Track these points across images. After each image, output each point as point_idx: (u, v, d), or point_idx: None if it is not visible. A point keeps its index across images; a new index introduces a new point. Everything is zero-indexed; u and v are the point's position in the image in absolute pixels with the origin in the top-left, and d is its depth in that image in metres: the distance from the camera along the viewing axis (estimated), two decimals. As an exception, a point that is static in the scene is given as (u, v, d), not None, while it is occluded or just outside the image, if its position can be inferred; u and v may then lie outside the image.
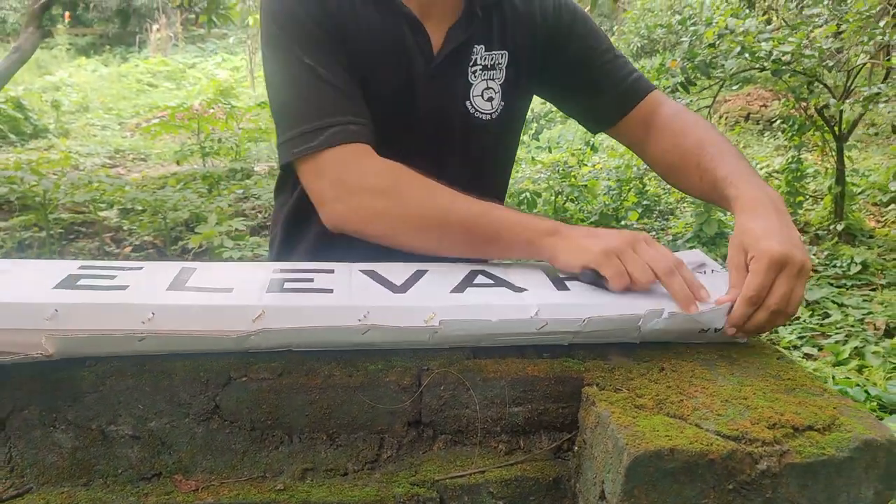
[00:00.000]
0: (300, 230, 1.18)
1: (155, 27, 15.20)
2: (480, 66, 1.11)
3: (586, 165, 5.64)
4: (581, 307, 0.81)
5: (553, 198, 4.99)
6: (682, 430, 0.67)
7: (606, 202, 5.08)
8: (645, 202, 5.09)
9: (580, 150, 5.56)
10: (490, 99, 1.12)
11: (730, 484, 0.65)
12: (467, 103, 1.11)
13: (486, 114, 1.12)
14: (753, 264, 0.83)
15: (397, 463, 0.78)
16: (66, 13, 13.74)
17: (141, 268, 0.86)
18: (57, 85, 11.08)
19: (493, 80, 1.12)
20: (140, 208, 4.73)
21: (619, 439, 0.66)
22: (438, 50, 1.09)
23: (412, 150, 1.01)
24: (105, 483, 0.77)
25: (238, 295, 0.79)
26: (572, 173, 5.17)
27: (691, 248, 3.70)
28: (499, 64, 1.12)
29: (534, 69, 1.15)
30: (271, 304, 0.77)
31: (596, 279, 0.87)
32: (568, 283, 0.88)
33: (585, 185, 5.06)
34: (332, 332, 0.77)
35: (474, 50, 1.10)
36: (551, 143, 7.48)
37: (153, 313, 0.73)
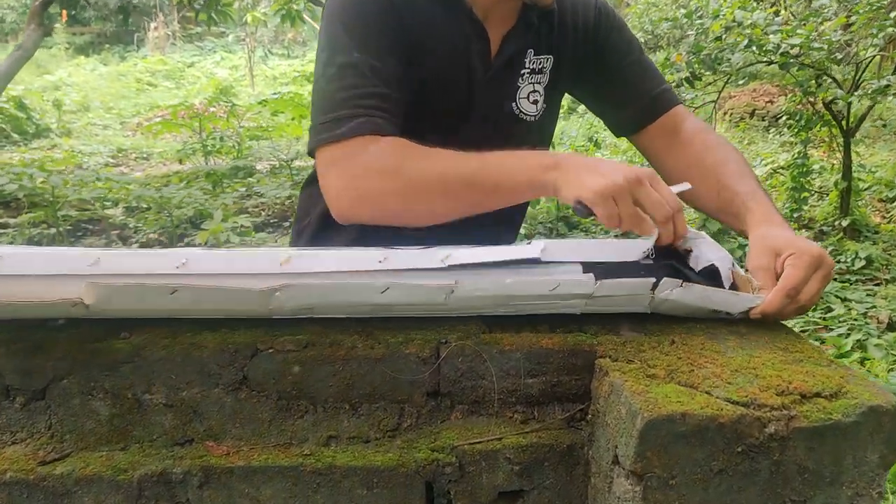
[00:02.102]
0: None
1: (153, 25, 15.24)
2: (529, 70, 1.16)
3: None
4: (588, 248, 0.85)
5: (557, 194, 5.01)
6: (693, 397, 0.70)
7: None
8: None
9: (583, 146, 5.59)
10: (535, 101, 1.18)
11: (738, 447, 0.68)
12: (514, 105, 1.16)
13: (531, 115, 1.17)
14: (794, 260, 0.88)
15: (417, 431, 0.81)
16: (63, 11, 13.76)
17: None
18: (57, 84, 11.14)
19: (538, 83, 1.17)
20: (145, 206, 4.78)
21: (633, 405, 0.69)
22: (495, 55, 1.13)
23: (458, 148, 1.04)
24: (141, 447, 0.80)
25: (263, 251, 0.84)
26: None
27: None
28: (545, 68, 1.17)
29: (572, 73, 1.21)
30: (295, 252, 0.82)
31: (587, 215, 0.90)
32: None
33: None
34: (353, 291, 0.80)
35: (527, 54, 1.15)
36: (554, 139, 7.51)
37: (186, 259, 0.78)
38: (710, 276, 0.89)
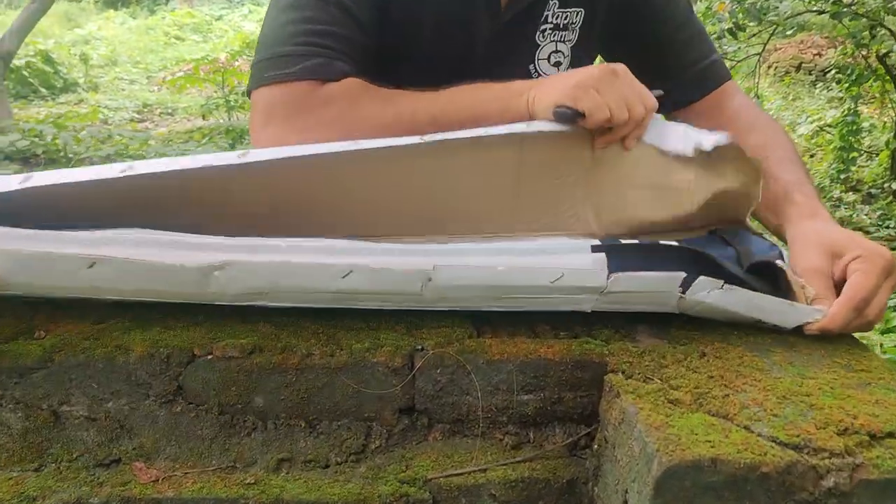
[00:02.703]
0: None
1: (182, -23, 15.04)
2: (552, 26, 0.95)
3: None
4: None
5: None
6: (727, 434, 0.54)
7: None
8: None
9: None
10: (557, 63, 0.97)
11: None
12: (531, 68, 0.96)
13: None
14: (863, 265, 0.72)
15: (387, 455, 0.67)
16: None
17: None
18: (86, 38, 11.05)
19: (563, 41, 0.97)
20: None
21: (649, 444, 0.53)
22: (507, 4, 0.92)
23: None
24: (58, 469, 0.68)
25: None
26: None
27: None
28: (573, 24, 0.96)
29: (606, 33, 0.99)
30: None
31: (571, 118, 0.74)
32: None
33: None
34: (308, 274, 0.65)
35: (548, 6, 0.94)
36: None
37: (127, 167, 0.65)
38: (761, 274, 0.72)
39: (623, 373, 0.63)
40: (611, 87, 0.75)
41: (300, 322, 0.71)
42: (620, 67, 0.77)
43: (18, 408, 0.67)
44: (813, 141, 5.42)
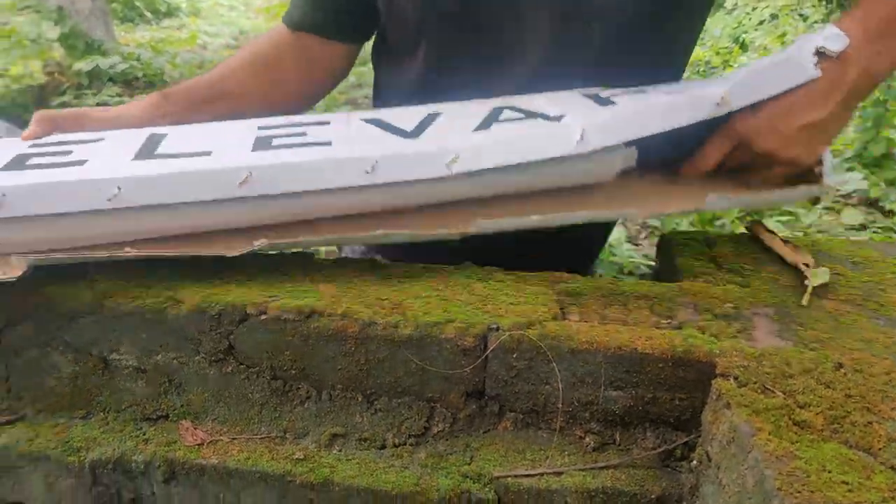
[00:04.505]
0: None
1: None
2: None
3: (732, 67, 5.01)
4: (632, 122, 0.65)
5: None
6: (868, 475, 0.43)
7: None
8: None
9: (726, 48, 4.92)
10: None
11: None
12: None
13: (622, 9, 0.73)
14: None
15: (449, 441, 0.60)
16: None
17: (101, 139, 0.70)
18: (192, -38, 11.19)
19: None
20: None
21: (768, 477, 0.43)
22: None
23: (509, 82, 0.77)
24: (105, 418, 0.64)
25: (218, 157, 0.63)
26: (715, 74, 4.60)
27: (850, 170, 3.19)
28: None
29: None
30: (259, 163, 0.61)
31: None
32: (614, 98, 0.69)
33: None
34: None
35: None
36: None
37: (119, 188, 0.58)
38: None
39: (736, 379, 0.53)
40: None
41: (364, 286, 0.63)
42: None
43: (68, 351, 0.64)
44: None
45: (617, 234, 2.47)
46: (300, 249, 0.69)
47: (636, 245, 2.88)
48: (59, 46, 4.65)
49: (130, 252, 0.61)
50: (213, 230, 0.63)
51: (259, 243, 0.62)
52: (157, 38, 6.13)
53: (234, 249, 0.62)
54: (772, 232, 0.74)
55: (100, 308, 0.62)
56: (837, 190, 2.87)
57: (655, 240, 3.02)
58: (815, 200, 0.76)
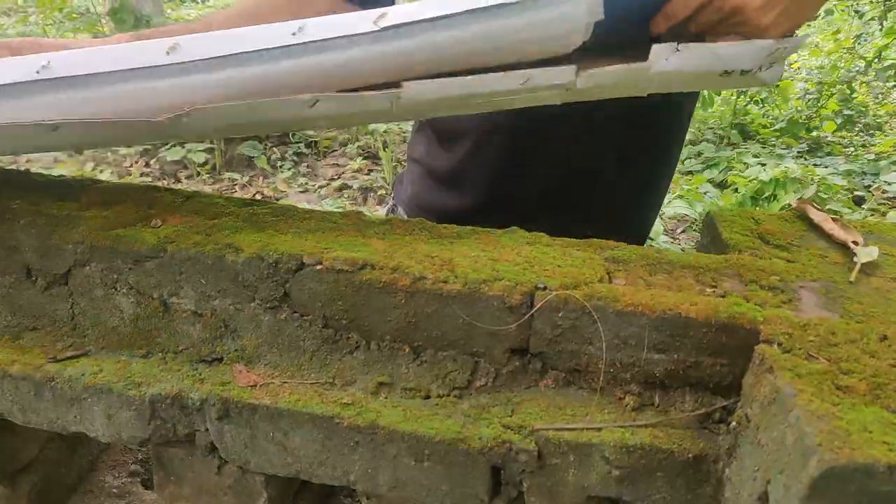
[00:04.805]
0: None
1: None
2: None
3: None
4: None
5: (734, 98, 4.41)
6: (910, 438, 0.44)
7: (799, 108, 4.42)
8: (847, 111, 4.36)
9: None
10: None
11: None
12: None
13: None
14: None
15: (492, 395, 0.62)
16: None
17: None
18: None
19: None
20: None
21: (808, 434, 0.44)
22: None
23: None
24: (164, 358, 0.68)
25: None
26: (763, 70, 4.50)
27: (897, 171, 3.12)
28: None
29: None
30: (187, 37, 0.61)
31: None
32: None
33: (777, 86, 4.40)
34: (276, 108, 0.61)
35: None
36: None
37: (49, 61, 0.59)
38: None
39: (780, 345, 0.54)
40: None
41: (415, 244, 0.65)
42: None
43: (131, 293, 0.67)
44: None
45: (654, 227, 2.46)
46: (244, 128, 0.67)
47: (673, 239, 2.86)
48: (109, 20, 4.76)
49: (56, 118, 0.59)
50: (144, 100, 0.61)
51: (188, 109, 0.60)
52: (203, 14, 6.22)
53: (161, 116, 0.60)
54: (821, 210, 0.74)
55: (163, 252, 0.65)
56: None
57: (693, 233, 2.99)
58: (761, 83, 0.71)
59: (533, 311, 0.59)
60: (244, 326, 0.66)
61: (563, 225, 0.72)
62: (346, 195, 3.44)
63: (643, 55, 0.65)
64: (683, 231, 2.90)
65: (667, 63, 0.65)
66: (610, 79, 0.65)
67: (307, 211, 0.71)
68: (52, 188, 0.76)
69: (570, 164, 0.94)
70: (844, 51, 4.89)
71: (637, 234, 1.06)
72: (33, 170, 0.83)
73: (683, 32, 0.71)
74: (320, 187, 3.51)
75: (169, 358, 0.67)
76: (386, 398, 0.63)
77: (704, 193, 3.07)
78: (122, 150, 3.70)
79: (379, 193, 3.42)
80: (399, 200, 1.13)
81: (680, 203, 2.80)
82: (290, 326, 0.65)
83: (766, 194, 2.90)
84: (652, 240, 2.34)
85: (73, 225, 0.67)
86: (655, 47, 0.64)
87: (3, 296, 0.71)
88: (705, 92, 4.15)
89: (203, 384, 0.64)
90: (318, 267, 0.62)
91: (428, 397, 0.63)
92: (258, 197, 3.32)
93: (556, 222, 0.73)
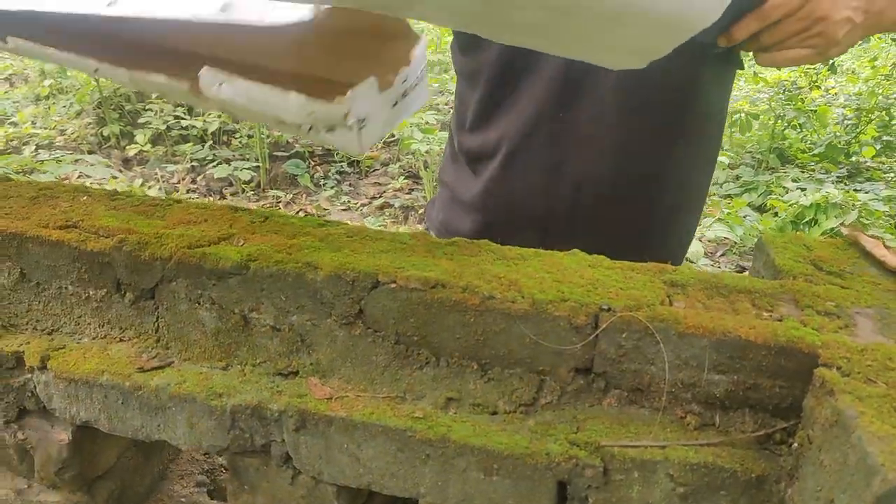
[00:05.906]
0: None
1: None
2: None
3: (819, 88, 4.88)
4: None
5: (772, 122, 4.39)
6: (973, 461, 0.46)
7: (837, 133, 4.38)
8: (887, 138, 4.32)
9: (814, 69, 4.80)
10: None
11: None
12: None
13: None
14: None
15: (557, 412, 0.65)
16: None
17: None
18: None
19: None
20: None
21: (871, 455, 0.47)
22: None
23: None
24: (243, 371, 0.72)
25: None
26: (800, 96, 4.49)
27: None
28: None
29: None
30: None
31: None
32: None
33: (814, 111, 4.37)
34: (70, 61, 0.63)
35: None
36: None
37: None
38: None
39: (839, 369, 0.56)
40: None
41: (482, 264, 0.69)
42: None
43: (214, 308, 0.72)
44: None
45: (694, 249, 2.47)
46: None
47: (714, 262, 2.86)
48: None
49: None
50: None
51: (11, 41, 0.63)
52: None
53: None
54: (874, 237, 0.76)
55: (246, 270, 0.69)
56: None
57: (732, 256, 2.99)
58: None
59: (598, 332, 0.62)
60: (320, 341, 0.70)
61: (586, 246, 0.74)
62: (387, 213, 3.50)
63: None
64: (723, 254, 2.89)
65: (219, 90, 0.60)
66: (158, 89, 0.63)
67: (378, 231, 0.75)
68: (139, 206, 0.81)
69: (599, 184, 0.96)
70: (882, 77, 4.85)
71: (666, 258, 1.07)
72: (86, 184, 0.88)
73: (759, 41, 0.74)
74: (362, 205, 3.58)
75: (248, 370, 0.72)
76: (455, 413, 0.66)
77: (744, 217, 3.07)
78: (170, 168, 3.81)
79: (420, 212, 3.48)
80: (431, 225, 1.17)
81: (720, 226, 2.80)
82: (364, 342, 0.69)
83: (807, 219, 2.89)
84: (692, 262, 2.34)
85: (162, 243, 0.72)
86: (204, 71, 0.60)
87: (94, 308, 0.76)
88: (743, 116, 4.15)
89: (281, 396, 0.68)
90: (392, 285, 0.66)
91: (495, 413, 0.66)
92: (301, 214, 3.39)
93: (580, 244, 0.75)
